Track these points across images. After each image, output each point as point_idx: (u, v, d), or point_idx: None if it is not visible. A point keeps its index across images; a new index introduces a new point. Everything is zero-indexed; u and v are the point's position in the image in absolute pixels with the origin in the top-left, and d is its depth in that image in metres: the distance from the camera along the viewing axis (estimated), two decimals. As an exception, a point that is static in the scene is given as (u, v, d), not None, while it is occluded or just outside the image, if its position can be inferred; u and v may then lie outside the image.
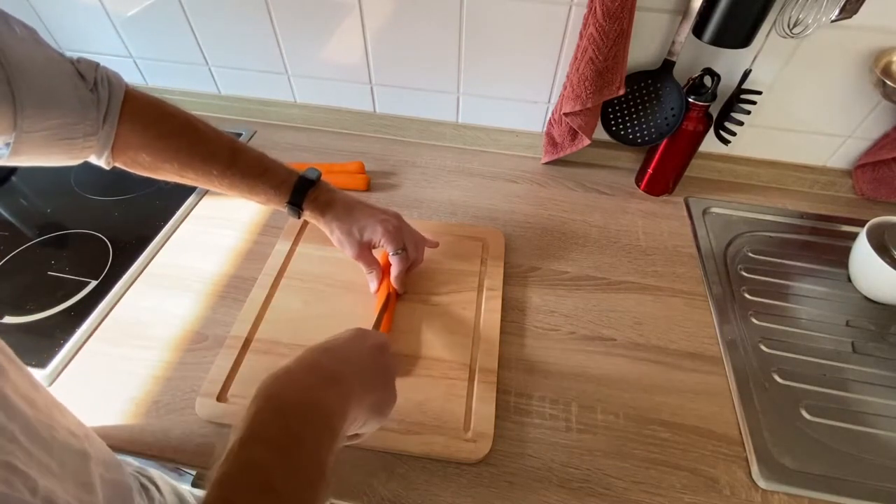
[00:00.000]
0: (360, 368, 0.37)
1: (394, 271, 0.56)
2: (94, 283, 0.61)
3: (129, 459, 0.48)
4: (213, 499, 0.25)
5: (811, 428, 0.50)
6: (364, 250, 0.55)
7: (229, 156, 0.49)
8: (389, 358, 0.42)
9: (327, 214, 0.53)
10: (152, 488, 0.49)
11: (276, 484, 0.26)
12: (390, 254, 0.55)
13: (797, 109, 0.69)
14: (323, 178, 0.69)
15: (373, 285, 0.58)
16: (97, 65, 0.44)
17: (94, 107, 0.42)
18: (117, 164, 0.47)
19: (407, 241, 0.56)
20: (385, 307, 0.54)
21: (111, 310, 0.59)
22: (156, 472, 0.48)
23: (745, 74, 0.63)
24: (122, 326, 0.57)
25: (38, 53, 0.39)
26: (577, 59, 0.64)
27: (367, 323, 0.56)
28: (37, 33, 0.40)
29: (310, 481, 0.28)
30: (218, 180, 0.49)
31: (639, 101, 0.69)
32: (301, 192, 0.52)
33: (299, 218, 0.54)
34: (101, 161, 0.46)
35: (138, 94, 0.46)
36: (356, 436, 0.40)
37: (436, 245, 0.61)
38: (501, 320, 0.57)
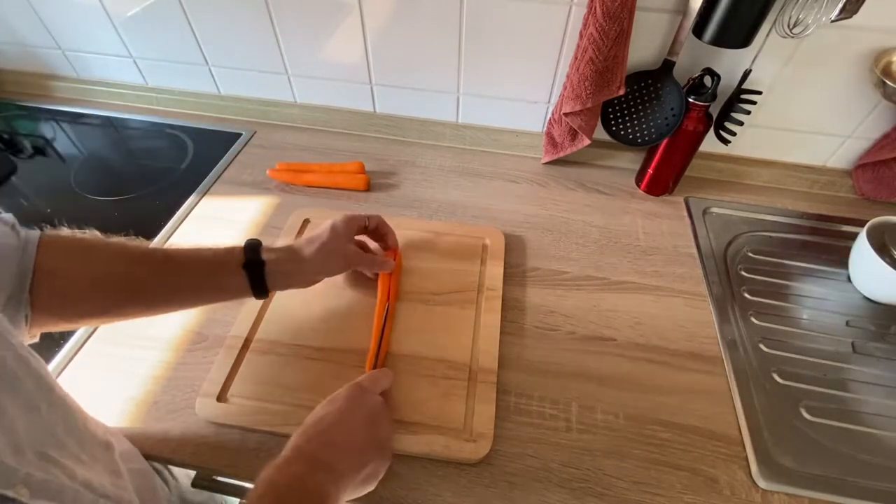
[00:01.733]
0: (351, 452, 0.40)
1: (386, 236, 0.58)
2: (94, 283, 0.61)
3: None
4: None
5: (811, 428, 0.50)
6: (351, 258, 0.54)
7: (162, 252, 0.46)
8: (382, 425, 0.43)
9: (302, 260, 0.50)
10: (166, 472, 0.50)
11: None
12: (368, 226, 0.56)
13: (797, 109, 0.69)
14: (322, 177, 0.70)
15: (371, 272, 0.59)
16: (10, 215, 0.39)
17: (15, 239, 0.38)
18: (38, 321, 0.39)
19: (369, 242, 0.59)
20: (379, 344, 0.53)
21: (111, 310, 0.59)
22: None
23: (745, 74, 0.63)
24: (122, 326, 0.57)
25: None
26: (577, 59, 0.64)
27: (367, 324, 0.56)
28: None
29: None
30: (156, 281, 0.44)
31: (639, 101, 0.69)
32: (255, 247, 0.48)
33: (265, 289, 0.48)
34: (17, 320, 0.38)
35: (54, 232, 0.42)
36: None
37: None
38: (501, 320, 0.57)
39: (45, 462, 0.27)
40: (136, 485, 0.39)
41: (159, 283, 0.44)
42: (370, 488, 0.43)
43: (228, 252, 0.47)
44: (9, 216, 0.39)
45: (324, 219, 0.67)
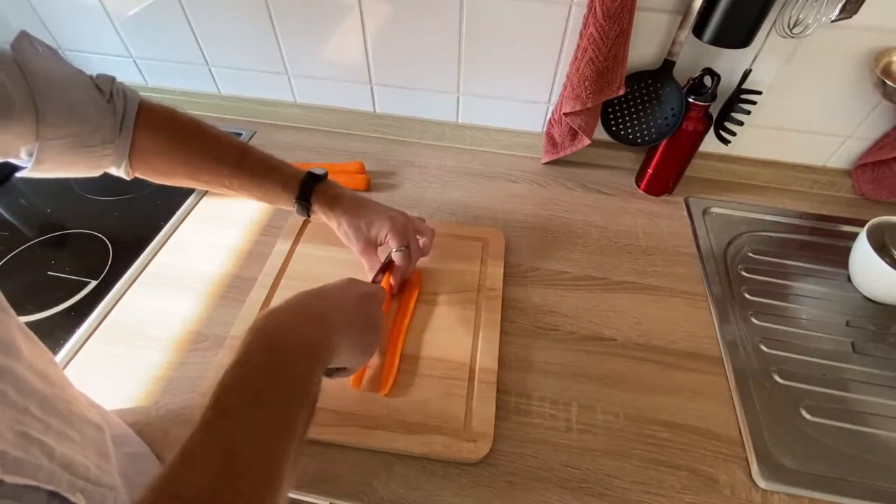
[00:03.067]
0: (343, 310, 0.42)
1: (395, 268, 0.56)
2: (94, 283, 0.61)
3: None
4: (211, 407, 0.29)
5: (811, 428, 0.50)
6: (369, 246, 0.55)
7: (238, 156, 0.51)
8: (375, 305, 0.46)
9: (336, 209, 0.54)
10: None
11: (265, 398, 0.31)
12: (394, 249, 0.55)
13: (797, 109, 0.69)
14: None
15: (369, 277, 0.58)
16: (113, 79, 0.46)
17: (111, 115, 0.45)
18: (137, 174, 0.49)
19: (411, 240, 0.56)
20: (385, 268, 0.55)
21: (111, 310, 0.59)
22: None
23: (745, 74, 0.63)
24: (122, 326, 0.57)
25: (58, 68, 0.42)
26: (577, 59, 0.64)
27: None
28: (58, 53, 0.43)
29: (294, 396, 0.33)
30: (228, 180, 0.51)
31: (639, 101, 0.69)
32: (309, 188, 0.53)
33: (308, 215, 0.54)
34: (120, 171, 0.48)
35: (152, 104, 0.48)
36: (343, 370, 0.45)
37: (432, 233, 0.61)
38: (501, 320, 0.57)
39: (24, 441, 0.28)
40: (126, 469, 0.40)
41: (229, 183, 0.52)
42: (358, 363, 0.45)
43: (286, 185, 0.53)
44: (108, 82, 0.46)
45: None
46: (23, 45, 0.40)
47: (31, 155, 0.40)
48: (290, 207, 0.54)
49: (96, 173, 0.47)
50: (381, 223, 0.54)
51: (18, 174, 0.42)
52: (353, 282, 0.46)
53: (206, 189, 0.53)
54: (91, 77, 0.45)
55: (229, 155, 0.51)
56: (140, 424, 0.49)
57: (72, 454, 0.32)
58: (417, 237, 0.57)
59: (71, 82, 0.43)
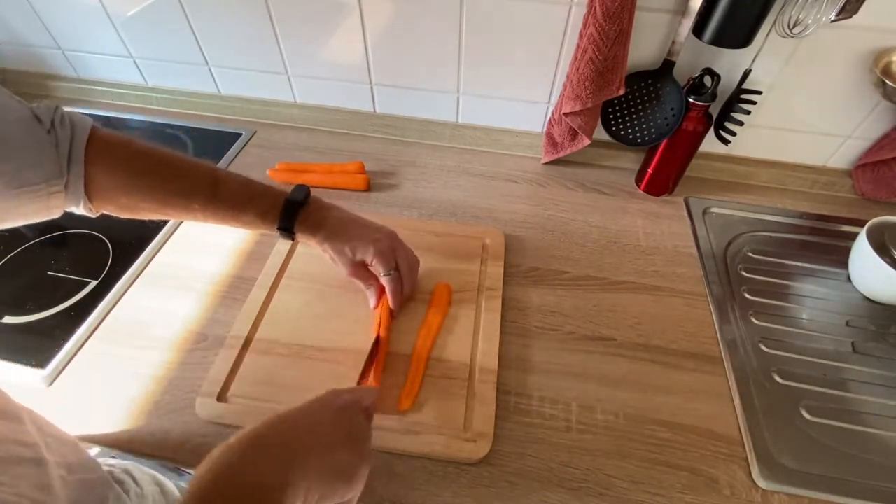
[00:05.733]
0: (313, 433, 0.35)
1: (388, 291, 0.55)
2: (94, 283, 0.61)
3: (109, 459, 0.48)
4: None
5: (811, 428, 0.50)
6: (358, 268, 0.54)
7: (210, 187, 0.48)
8: (358, 416, 0.39)
9: (318, 234, 0.52)
10: (128, 480, 0.48)
11: None
12: (381, 274, 0.54)
13: (797, 109, 0.69)
14: (322, 177, 0.69)
15: (372, 301, 0.57)
16: (56, 107, 0.42)
17: (51, 147, 0.39)
18: (101, 211, 0.45)
19: (400, 261, 0.54)
20: (372, 356, 0.51)
21: (111, 310, 0.59)
22: (131, 465, 0.47)
23: (745, 74, 0.63)
24: (122, 326, 0.57)
25: None
26: (577, 59, 0.64)
27: (366, 324, 0.56)
28: None
29: None
30: (201, 214, 0.48)
31: (639, 101, 0.69)
32: (290, 215, 0.50)
33: (293, 240, 0.53)
34: (80, 209, 0.43)
35: (105, 134, 0.44)
36: None
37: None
38: (501, 320, 0.57)
39: None
40: (78, 495, 0.37)
41: (203, 214, 0.48)
42: (350, 494, 0.36)
43: (265, 215, 0.50)
44: (49, 111, 0.41)
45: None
46: None
47: None
48: (271, 234, 0.52)
49: (53, 215, 0.41)
50: (365, 248, 0.52)
51: None
52: (332, 395, 0.39)
53: (169, 218, 0.50)
54: (30, 107, 0.40)
55: (200, 187, 0.47)
56: (140, 425, 0.49)
57: (7, 498, 0.29)
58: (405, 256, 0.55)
59: (1, 115, 0.37)
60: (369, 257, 0.53)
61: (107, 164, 0.42)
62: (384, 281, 0.54)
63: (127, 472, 0.46)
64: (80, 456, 0.43)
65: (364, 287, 0.56)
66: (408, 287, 0.56)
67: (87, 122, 0.42)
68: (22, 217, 0.39)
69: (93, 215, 0.44)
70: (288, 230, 0.51)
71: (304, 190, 0.52)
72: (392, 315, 0.56)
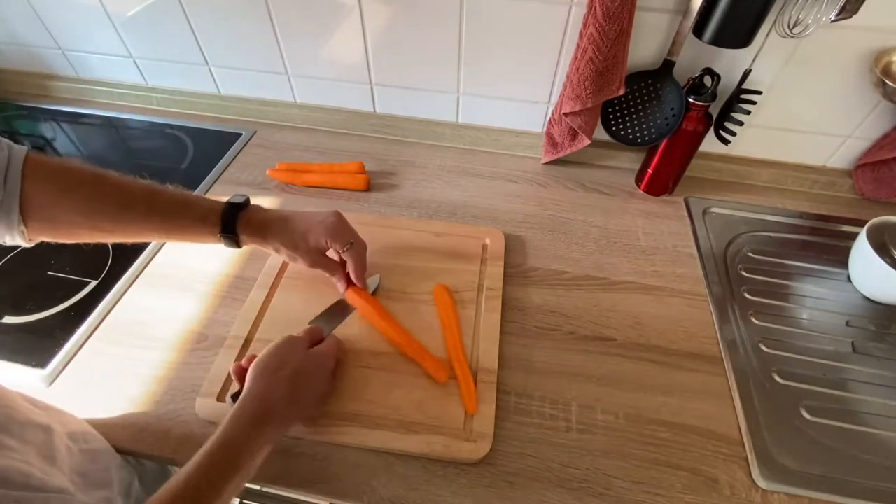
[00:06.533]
0: (274, 403, 0.42)
1: (351, 268, 0.56)
2: (94, 283, 0.61)
3: None
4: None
5: (811, 428, 0.50)
6: (317, 256, 0.54)
7: (147, 199, 0.47)
8: (308, 385, 0.45)
9: (267, 235, 0.52)
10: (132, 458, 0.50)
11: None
12: (341, 252, 0.54)
13: (797, 109, 0.69)
14: (323, 177, 0.68)
15: (340, 286, 0.57)
16: None
17: None
18: (34, 235, 0.43)
19: (352, 234, 0.55)
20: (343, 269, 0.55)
21: (111, 310, 0.59)
22: None
23: (745, 74, 0.63)
24: (122, 326, 0.57)
25: None
26: (577, 59, 0.64)
27: (367, 324, 0.56)
28: None
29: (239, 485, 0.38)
30: (139, 226, 0.47)
31: (639, 101, 0.69)
32: (231, 218, 0.50)
33: (239, 246, 0.52)
34: (14, 233, 0.42)
35: (41, 156, 0.43)
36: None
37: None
38: (501, 320, 0.57)
39: None
40: (84, 466, 0.40)
41: (141, 228, 0.48)
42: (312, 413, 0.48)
43: (205, 218, 0.49)
44: None
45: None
46: None
47: None
48: (215, 243, 0.51)
49: None
50: (315, 231, 0.52)
51: None
52: (287, 345, 0.46)
53: (114, 241, 0.48)
54: None
55: (136, 199, 0.46)
56: (140, 425, 0.49)
57: (8, 464, 0.32)
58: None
59: None
60: (323, 239, 0.53)
61: (41, 180, 0.42)
62: (346, 256, 0.55)
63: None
64: (83, 426, 0.44)
65: (329, 275, 0.56)
66: (363, 254, 0.57)
67: (23, 147, 0.42)
68: None
69: (27, 244, 0.43)
70: (230, 233, 0.50)
71: (243, 196, 0.52)
72: (363, 294, 0.57)
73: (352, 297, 0.57)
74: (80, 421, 0.46)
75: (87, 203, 0.44)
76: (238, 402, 0.42)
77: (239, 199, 0.51)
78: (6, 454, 0.33)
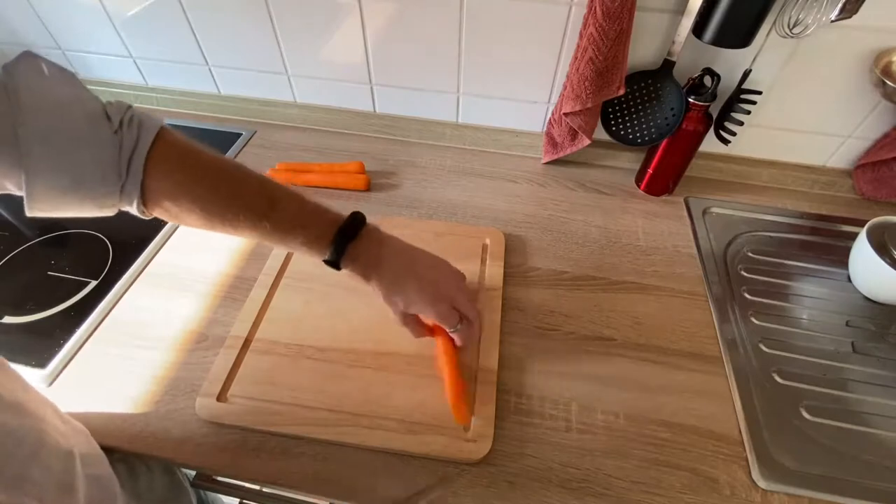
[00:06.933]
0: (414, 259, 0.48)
1: (458, 342, 0.51)
2: (94, 283, 0.61)
3: None
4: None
5: (811, 428, 0.50)
6: (409, 319, 0.49)
7: (265, 208, 0.44)
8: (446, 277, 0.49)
9: (371, 279, 0.47)
10: (141, 466, 0.49)
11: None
12: (449, 330, 0.50)
13: (797, 109, 0.69)
14: (323, 177, 0.68)
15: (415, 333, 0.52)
16: (129, 106, 0.40)
17: (114, 148, 0.38)
18: (153, 214, 0.43)
19: (467, 312, 0.50)
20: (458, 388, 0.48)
21: (111, 310, 0.59)
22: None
23: (745, 74, 0.63)
24: (122, 326, 0.57)
25: (59, 93, 0.36)
26: (577, 59, 0.64)
27: (366, 324, 0.56)
28: (70, 75, 0.38)
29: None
30: (249, 232, 0.45)
31: (639, 101, 0.69)
32: (339, 248, 0.45)
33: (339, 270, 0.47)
34: (134, 210, 0.41)
35: (173, 137, 0.41)
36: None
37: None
38: (501, 320, 0.57)
39: None
40: (93, 494, 0.38)
41: (254, 232, 0.45)
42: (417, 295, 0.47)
43: (317, 240, 0.46)
44: (121, 110, 0.39)
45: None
46: (19, 68, 0.34)
47: (21, 190, 0.36)
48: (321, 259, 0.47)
49: (108, 212, 0.41)
50: (421, 306, 0.48)
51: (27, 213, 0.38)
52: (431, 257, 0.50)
53: (217, 232, 0.46)
54: (103, 104, 0.39)
55: (254, 207, 0.44)
56: (140, 425, 0.49)
57: (25, 501, 0.30)
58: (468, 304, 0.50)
59: (67, 110, 0.36)
60: (428, 317, 0.49)
61: (165, 170, 0.41)
62: (453, 335, 0.51)
63: (140, 457, 0.46)
64: (92, 447, 0.43)
65: (414, 336, 0.51)
66: (476, 335, 0.53)
67: (157, 123, 0.40)
68: (79, 209, 0.39)
69: (146, 217, 0.43)
70: (334, 265, 0.46)
71: (358, 218, 0.47)
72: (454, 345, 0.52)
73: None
74: (91, 441, 0.44)
75: (207, 202, 0.43)
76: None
77: (351, 228, 0.46)
78: (26, 489, 0.31)
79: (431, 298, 0.47)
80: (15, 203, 0.74)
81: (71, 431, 0.41)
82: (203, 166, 0.43)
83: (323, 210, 0.46)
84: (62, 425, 0.40)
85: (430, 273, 0.49)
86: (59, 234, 0.67)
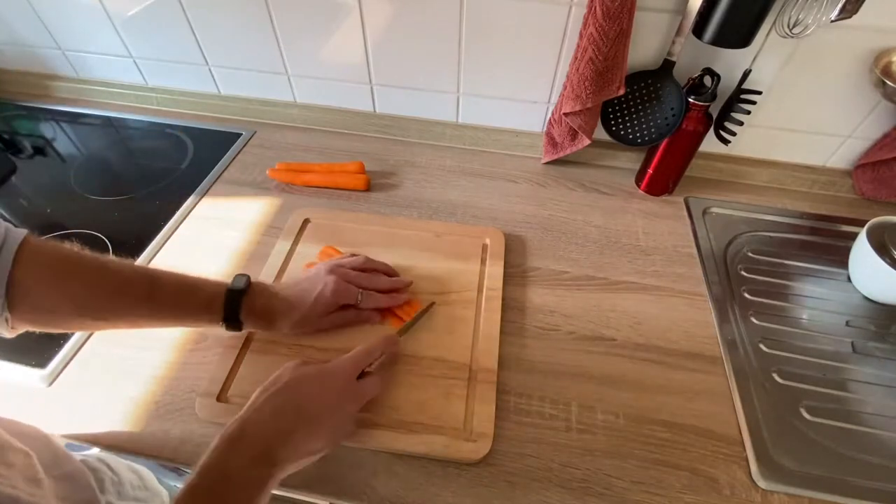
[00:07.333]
0: (301, 443, 0.39)
1: (375, 310, 0.55)
2: (94, 283, 0.61)
3: (84, 451, 0.48)
4: None
5: (811, 428, 0.50)
6: (336, 321, 0.53)
7: (146, 285, 0.45)
8: (345, 417, 0.43)
9: (274, 321, 0.50)
10: (103, 468, 0.49)
11: None
12: (359, 305, 0.54)
13: (797, 109, 0.69)
14: (323, 177, 0.68)
15: (375, 318, 0.56)
16: None
17: None
18: (17, 325, 0.41)
19: (360, 282, 0.54)
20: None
21: (111, 310, 0.59)
22: (106, 454, 0.47)
23: (745, 74, 0.63)
24: (122, 326, 0.57)
25: None
26: (577, 59, 0.64)
27: (366, 328, 0.56)
28: None
29: None
30: (135, 313, 0.45)
31: (639, 101, 0.69)
32: (234, 306, 0.48)
33: (240, 330, 0.50)
34: None
35: (39, 241, 0.41)
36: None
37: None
38: (501, 320, 0.57)
39: None
40: (65, 491, 0.39)
41: (137, 317, 0.45)
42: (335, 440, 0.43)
43: (209, 305, 0.47)
44: None
45: (324, 219, 0.68)
46: None
47: None
48: (216, 327, 0.49)
49: None
50: (314, 307, 0.51)
51: None
52: (332, 383, 0.43)
53: (104, 330, 0.46)
54: None
55: (134, 285, 0.44)
56: (140, 425, 0.49)
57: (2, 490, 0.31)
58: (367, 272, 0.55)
59: None
60: (326, 308, 0.52)
61: (35, 264, 0.40)
62: (364, 306, 0.54)
63: (102, 461, 0.46)
64: (54, 450, 0.43)
65: (361, 323, 0.55)
66: (386, 284, 0.56)
67: (22, 231, 0.40)
68: None
69: (8, 333, 0.41)
70: (234, 322, 0.48)
71: (243, 278, 0.50)
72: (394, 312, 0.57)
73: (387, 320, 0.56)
74: (52, 444, 0.44)
75: (81, 290, 0.42)
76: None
77: (240, 284, 0.49)
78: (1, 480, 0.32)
79: (313, 294, 0.51)
80: (15, 203, 0.75)
81: (27, 438, 0.41)
82: (77, 260, 0.42)
83: (204, 279, 0.48)
84: (12, 430, 0.40)
85: (305, 280, 0.53)
86: (59, 235, 0.67)
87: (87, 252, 0.43)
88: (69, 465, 0.43)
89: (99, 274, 0.43)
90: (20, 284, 0.39)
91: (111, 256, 0.44)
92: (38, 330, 0.42)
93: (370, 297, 0.54)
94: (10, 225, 0.40)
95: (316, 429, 0.40)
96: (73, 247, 0.43)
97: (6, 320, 0.39)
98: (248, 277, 0.50)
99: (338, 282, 0.52)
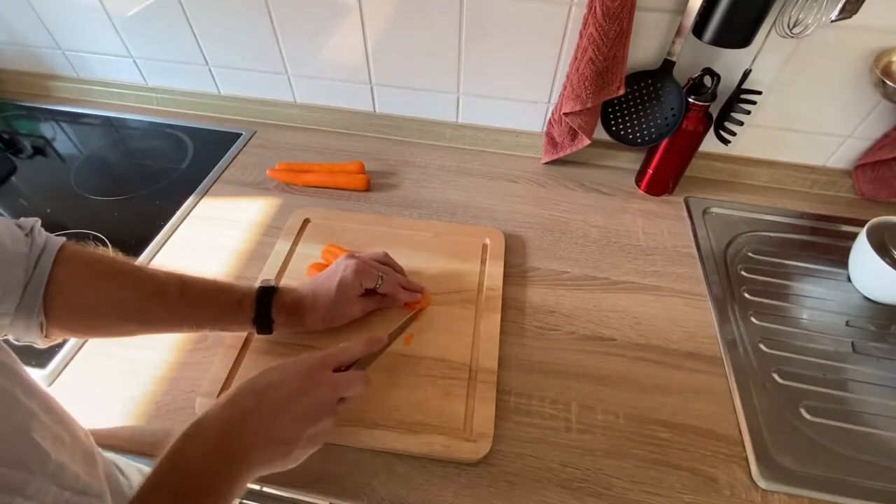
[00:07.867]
0: (276, 443, 0.38)
1: (394, 294, 0.55)
2: (94, 283, 0.61)
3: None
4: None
5: (811, 428, 0.50)
6: (367, 306, 0.54)
7: (178, 286, 0.46)
8: (322, 421, 0.40)
9: (304, 315, 0.51)
10: (115, 474, 0.49)
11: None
12: (377, 288, 0.54)
13: (797, 109, 0.69)
14: (323, 177, 0.68)
15: (401, 300, 0.57)
16: (37, 220, 0.42)
17: (25, 246, 0.39)
18: (51, 331, 0.41)
19: (377, 268, 0.54)
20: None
21: (111, 310, 0.59)
22: (118, 457, 0.48)
23: (745, 74, 0.63)
24: (122, 326, 0.57)
25: None
26: (577, 59, 0.64)
27: (365, 324, 0.56)
28: None
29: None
30: (169, 315, 0.46)
31: (639, 101, 0.69)
32: (266, 302, 0.49)
33: (271, 332, 0.51)
34: (32, 325, 0.40)
35: (77, 246, 0.43)
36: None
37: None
38: (501, 320, 0.57)
39: (28, 446, 0.29)
40: (105, 472, 0.40)
41: (170, 318, 0.47)
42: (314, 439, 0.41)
43: (240, 303, 0.49)
44: (31, 220, 0.41)
45: (324, 219, 0.68)
46: None
47: None
48: (246, 329, 0.50)
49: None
50: (340, 293, 0.51)
51: None
52: (312, 381, 0.41)
53: (139, 335, 0.46)
54: (15, 220, 0.41)
55: (167, 287, 0.45)
56: (140, 425, 0.49)
57: (65, 462, 0.32)
58: (381, 263, 0.56)
59: None
60: (352, 293, 0.52)
61: (74, 266, 0.41)
62: (385, 290, 0.54)
63: (115, 464, 0.46)
64: (91, 464, 0.43)
65: (386, 307, 0.57)
66: (403, 280, 0.57)
67: (61, 238, 0.42)
68: None
69: (41, 342, 0.41)
70: (265, 318, 0.49)
71: (270, 280, 0.52)
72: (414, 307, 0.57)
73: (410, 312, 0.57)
74: (91, 457, 0.45)
75: (117, 291, 0.44)
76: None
77: (270, 284, 0.51)
78: (62, 451, 0.32)
79: (336, 280, 0.51)
80: (15, 203, 0.75)
81: (79, 452, 0.41)
82: (112, 263, 0.44)
83: (232, 282, 0.50)
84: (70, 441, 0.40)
85: (334, 270, 0.53)
86: (58, 235, 0.67)
87: (121, 256, 0.45)
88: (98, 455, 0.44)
89: (136, 276, 0.45)
90: (60, 284, 0.40)
91: (144, 265, 0.46)
92: (74, 337, 0.43)
93: (390, 278, 0.55)
94: (49, 234, 0.42)
95: (279, 413, 0.38)
96: (108, 251, 0.45)
97: (41, 326, 0.40)
98: (270, 307, 0.50)
99: (358, 263, 0.53)
